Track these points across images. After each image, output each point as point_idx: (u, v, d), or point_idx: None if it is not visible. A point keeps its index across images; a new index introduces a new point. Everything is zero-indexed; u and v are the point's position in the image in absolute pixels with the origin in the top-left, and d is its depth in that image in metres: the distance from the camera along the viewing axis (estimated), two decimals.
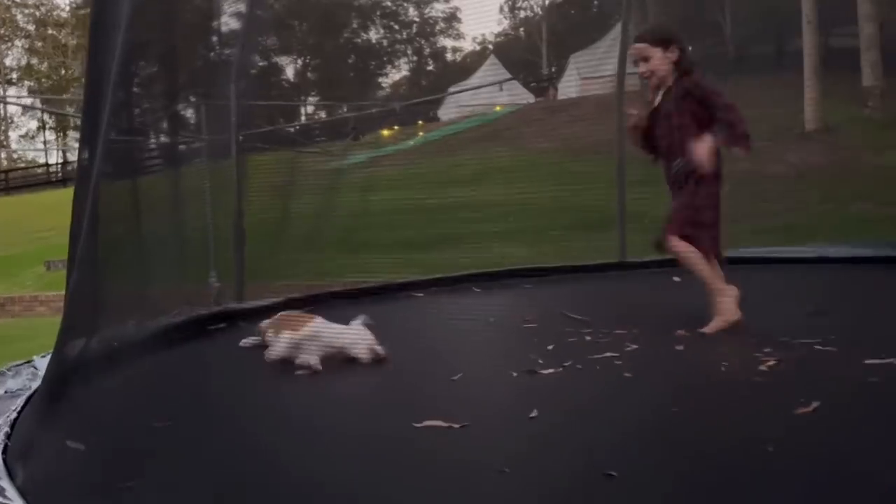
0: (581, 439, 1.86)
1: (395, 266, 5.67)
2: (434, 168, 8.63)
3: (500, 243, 4.50)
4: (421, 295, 3.87)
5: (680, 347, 2.64)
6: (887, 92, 9.26)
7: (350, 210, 5.17)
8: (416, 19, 27.63)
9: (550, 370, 2.38)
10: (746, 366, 2.33)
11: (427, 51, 28.39)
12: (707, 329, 2.78)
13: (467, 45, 29.05)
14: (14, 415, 2.04)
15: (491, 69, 17.68)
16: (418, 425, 1.91)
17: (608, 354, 2.53)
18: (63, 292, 2.03)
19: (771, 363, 2.33)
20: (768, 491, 1.50)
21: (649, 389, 2.24)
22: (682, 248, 2.89)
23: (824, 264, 4.27)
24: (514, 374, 2.39)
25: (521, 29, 29.15)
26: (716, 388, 2.25)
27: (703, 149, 2.90)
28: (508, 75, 16.70)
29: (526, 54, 25.68)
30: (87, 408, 1.93)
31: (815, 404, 1.90)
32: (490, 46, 26.36)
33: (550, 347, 2.63)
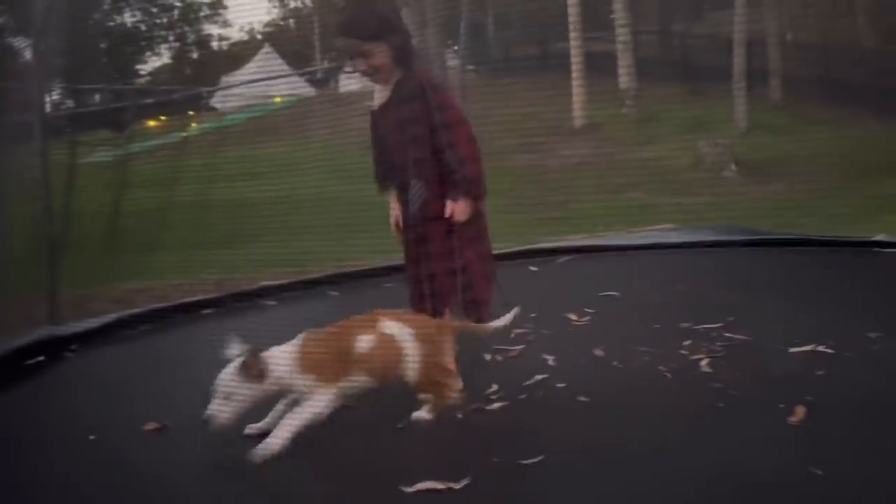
0: None
1: (186, 266, 5.18)
2: (216, 161, 8.04)
3: (306, 239, 4.24)
4: (273, 303, 3.55)
5: None
6: (640, 93, 10.27)
7: (136, 206, 4.60)
8: (178, 3, 25.80)
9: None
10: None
11: (191, 38, 26.65)
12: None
13: (235, 34, 27.74)
14: None
15: (265, 59, 16.96)
16: (409, 489, 1.62)
17: None
18: None
19: None
20: None
21: None
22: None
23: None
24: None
25: (292, 20, 28.47)
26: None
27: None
28: (284, 65, 16.14)
29: (300, 45, 25.12)
30: None
31: None
32: (259, 36, 25.39)
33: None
